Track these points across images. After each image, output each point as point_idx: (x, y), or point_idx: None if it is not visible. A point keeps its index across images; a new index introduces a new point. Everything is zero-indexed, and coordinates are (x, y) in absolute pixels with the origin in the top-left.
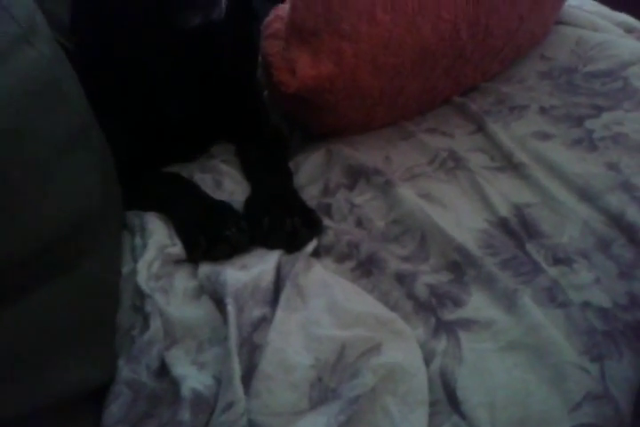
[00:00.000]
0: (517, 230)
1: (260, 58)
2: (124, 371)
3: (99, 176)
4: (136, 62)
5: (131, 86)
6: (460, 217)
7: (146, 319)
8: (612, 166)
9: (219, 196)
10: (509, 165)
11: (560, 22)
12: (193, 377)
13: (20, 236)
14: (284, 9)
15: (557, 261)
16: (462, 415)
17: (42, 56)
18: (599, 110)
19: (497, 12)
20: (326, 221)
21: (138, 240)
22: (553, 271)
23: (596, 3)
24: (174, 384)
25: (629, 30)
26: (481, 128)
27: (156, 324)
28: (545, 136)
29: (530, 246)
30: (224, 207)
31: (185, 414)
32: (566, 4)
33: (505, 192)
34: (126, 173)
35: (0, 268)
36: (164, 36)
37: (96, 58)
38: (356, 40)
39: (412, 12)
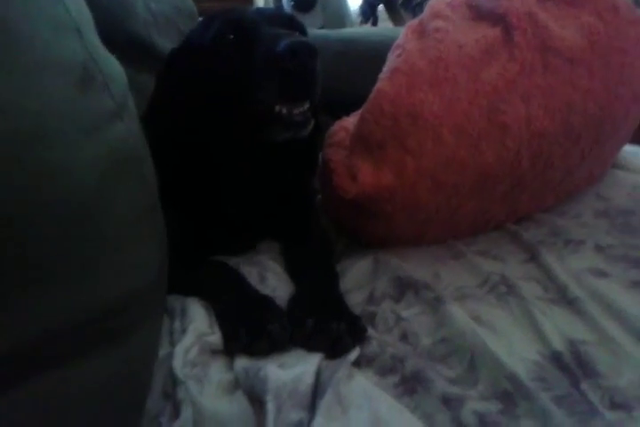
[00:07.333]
0: (572, 367)
1: (319, 164)
2: None
3: (158, 254)
4: (210, 161)
5: (198, 181)
6: (511, 345)
7: (176, 407)
8: None
9: (262, 290)
10: (564, 298)
11: (615, 166)
12: None
13: (81, 304)
14: (348, 121)
15: (615, 405)
16: None
17: (129, 132)
18: None
19: (560, 146)
20: (369, 331)
21: (177, 324)
22: (610, 415)
23: None
24: None
25: None
26: (534, 257)
27: (186, 413)
28: (601, 274)
29: (585, 386)
30: (268, 302)
31: None
32: (622, 150)
33: (559, 326)
34: (174, 258)
35: (54, 334)
36: (248, 143)
37: (169, 149)
38: (419, 156)
39: (478, 136)
